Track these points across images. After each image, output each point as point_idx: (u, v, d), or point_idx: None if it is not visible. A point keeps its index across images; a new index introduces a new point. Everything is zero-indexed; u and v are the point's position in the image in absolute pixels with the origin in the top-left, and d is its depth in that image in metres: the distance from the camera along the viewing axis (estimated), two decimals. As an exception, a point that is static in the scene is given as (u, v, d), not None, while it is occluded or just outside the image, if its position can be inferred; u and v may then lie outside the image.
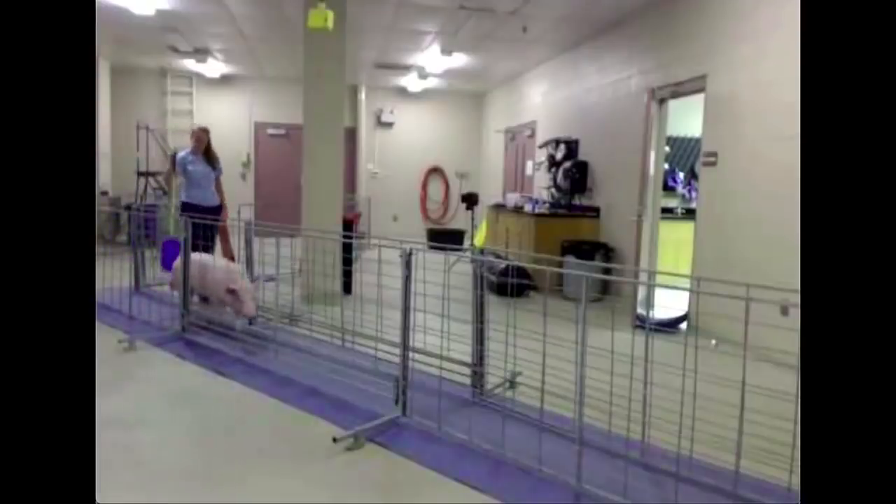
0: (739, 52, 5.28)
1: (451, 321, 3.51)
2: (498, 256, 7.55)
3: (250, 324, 4.92)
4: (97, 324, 4.86)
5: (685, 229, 6.46)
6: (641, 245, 6.30)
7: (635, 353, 2.72)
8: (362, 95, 12.66)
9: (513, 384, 3.70)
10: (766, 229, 4.89)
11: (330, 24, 5.16)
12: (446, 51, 9.07)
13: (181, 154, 6.47)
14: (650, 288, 5.41)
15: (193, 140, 6.44)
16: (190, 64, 11.08)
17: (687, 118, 7.28)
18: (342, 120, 6.46)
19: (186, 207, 6.08)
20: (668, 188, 7.64)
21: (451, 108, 13.31)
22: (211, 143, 6.49)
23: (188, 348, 4.65)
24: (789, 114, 4.43)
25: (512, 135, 11.42)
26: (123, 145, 11.01)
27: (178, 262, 5.15)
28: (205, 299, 5.41)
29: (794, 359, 1.55)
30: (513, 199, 9.21)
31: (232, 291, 4.68)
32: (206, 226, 5.26)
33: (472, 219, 9.26)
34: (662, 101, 6.35)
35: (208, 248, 5.49)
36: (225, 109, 12.40)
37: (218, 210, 6.46)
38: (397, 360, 3.43)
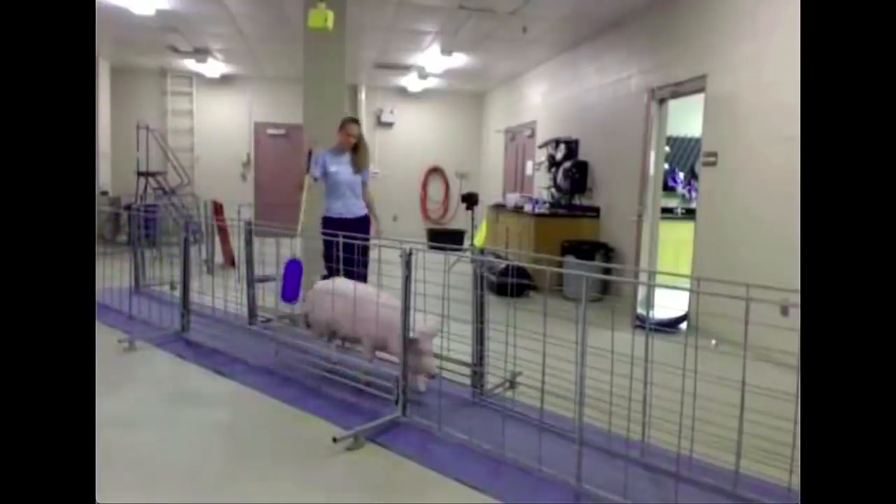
0: (739, 52, 5.28)
1: (451, 321, 3.51)
2: (498, 256, 7.54)
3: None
4: (97, 324, 4.86)
5: (685, 229, 6.46)
6: (641, 245, 6.30)
7: (635, 353, 2.72)
8: (362, 95, 12.67)
9: (513, 384, 3.70)
10: (766, 229, 4.89)
11: (330, 24, 5.16)
12: (446, 51, 9.07)
13: (321, 152, 4.95)
14: (650, 288, 5.41)
15: (340, 134, 4.94)
16: (190, 64, 11.08)
17: (687, 118, 7.28)
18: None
19: (328, 223, 4.84)
20: (668, 188, 7.65)
21: (451, 108, 13.31)
22: (362, 139, 4.99)
23: (188, 348, 4.65)
24: (789, 114, 4.43)
25: (512, 135, 11.42)
26: (123, 145, 11.02)
27: (319, 286, 4.13)
28: (349, 340, 4.16)
29: (794, 359, 1.55)
30: (513, 199, 9.21)
31: (411, 341, 3.40)
32: (352, 246, 4.05)
33: (472, 219, 9.26)
34: (662, 101, 6.35)
35: (362, 277, 4.36)
36: (225, 109, 12.41)
37: (365, 223, 4.99)
38: (397, 360, 3.43)
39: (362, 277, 4.36)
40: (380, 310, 3.59)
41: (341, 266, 4.02)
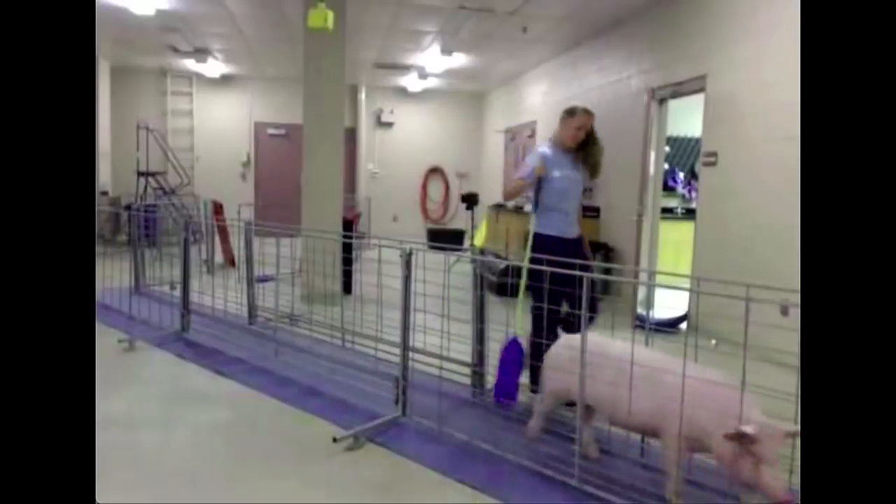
0: (739, 52, 5.28)
1: (451, 321, 3.51)
2: (498, 256, 7.54)
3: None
4: (97, 324, 4.86)
5: (685, 229, 6.47)
6: (641, 245, 6.31)
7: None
8: (362, 95, 12.67)
9: (513, 384, 3.69)
10: (766, 229, 4.89)
11: (330, 24, 5.17)
12: (446, 51, 9.07)
13: (544, 151, 3.75)
14: (650, 288, 5.42)
15: (564, 125, 3.72)
16: (190, 64, 11.08)
17: (687, 118, 7.28)
18: (342, 120, 6.46)
19: (544, 243, 3.58)
20: (668, 188, 7.65)
21: (451, 108, 13.32)
22: (595, 135, 3.80)
23: (188, 348, 4.65)
24: (789, 114, 4.43)
25: (512, 135, 11.42)
26: (123, 145, 11.02)
27: (568, 343, 2.90)
28: (626, 428, 2.80)
29: (794, 359, 1.55)
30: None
31: (740, 438, 2.18)
32: (572, 279, 2.83)
33: (472, 219, 9.26)
34: (662, 101, 6.36)
35: (573, 322, 3.22)
36: (225, 109, 12.41)
37: (579, 248, 3.73)
38: (397, 360, 3.43)
39: (571, 325, 3.18)
40: (708, 391, 2.34)
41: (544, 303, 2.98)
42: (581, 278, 2.60)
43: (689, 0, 6.07)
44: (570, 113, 3.73)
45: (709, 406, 2.31)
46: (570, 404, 2.99)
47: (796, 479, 2.00)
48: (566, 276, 2.87)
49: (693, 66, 5.89)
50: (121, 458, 2.87)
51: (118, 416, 3.33)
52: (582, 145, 3.73)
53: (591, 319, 3.01)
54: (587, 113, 3.70)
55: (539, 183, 3.65)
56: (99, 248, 6.93)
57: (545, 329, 3.11)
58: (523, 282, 3.45)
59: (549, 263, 2.96)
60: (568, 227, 3.70)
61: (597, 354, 2.66)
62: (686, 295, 5.54)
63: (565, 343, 2.92)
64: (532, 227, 3.68)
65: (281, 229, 5.44)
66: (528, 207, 3.84)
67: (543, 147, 3.81)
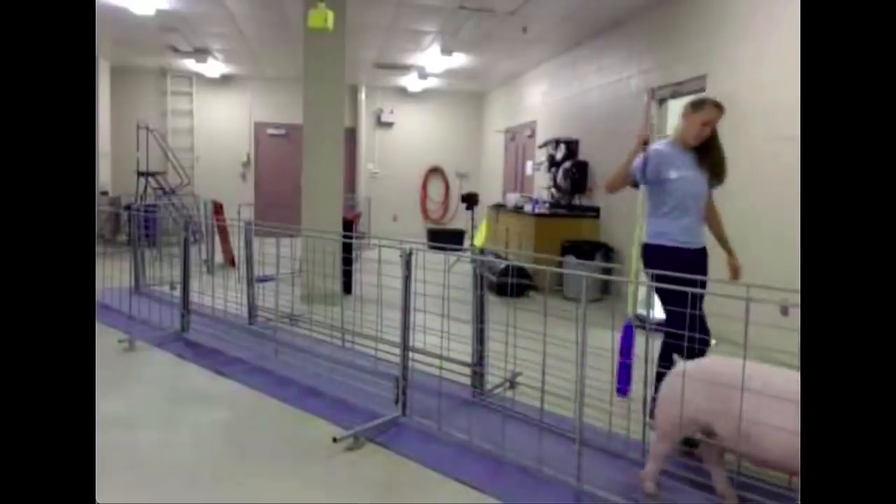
0: (739, 52, 5.28)
1: (451, 321, 3.51)
2: (498, 256, 7.55)
3: None
4: (97, 324, 4.86)
5: (685, 229, 6.46)
6: (641, 245, 6.28)
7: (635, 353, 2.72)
8: (362, 95, 12.67)
9: (513, 384, 3.70)
10: (766, 229, 4.89)
11: (330, 24, 5.17)
12: (446, 51, 9.07)
13: (659, 147, 3.26)
14: (650, 288, 5.40)
15: (689, 119, 3.19)
16: (190, 64, 11.08)
17: (687, 118, 7.27)
18: (342, 120, 6.46)
19: (657, 254, 3.20)
20: (668, 188, 7.64)
21: (451, 108, 13.32)
22: (717, 132, 3.22)
23: (188, 348, 4.65)
24: (789, 114, 4.43)
25: (512, 135, 11.43)
26: (123, 145, 11.02)
27: (698, 368, 2.51)
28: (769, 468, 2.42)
29: (795, 359, 1.55)
30: (513, 199, 9.21)
31: None
32: (683, 296, 2.63)
33: (472, 219, 9.26)
34: (662, 101, 6.36)
35: (699, 350, 2.83)
36: (225, 109, 12.41)
37: (706, 259, 3.31)
38: (397, 360, 3.43)
39: (699, 352, 2.83)
40: None
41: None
42: (692, 296, 2.31)
43: (689, 0, 6.08)
44: (697, 106, 3.18)
45: None
46: (691, 444, 2.62)
47: (796, 479, 2.00)
48: (669, 292, 2.58)
49: (693, 66, 5.89)
50: (121, 458, 2.87)
51: (118, 416, 3.33)
52: (706, 144, 3.21)
53: (704, 343, 2.77)
54: (718, 107, 3.14)
55: (649, 184, 3.20)
56: (99, 248, 6.94)
57: (659, 355, 2.90)
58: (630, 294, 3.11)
59: (658, 277, 2.67)
60: (687, 237, 3.18)
61: (745, 385, 2.29)
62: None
63: (689, 371, 2.51)
64: (642, 236, 3.28)
65: (281, 229, 5.44)
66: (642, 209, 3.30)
67: (659, 143, 3.29)
